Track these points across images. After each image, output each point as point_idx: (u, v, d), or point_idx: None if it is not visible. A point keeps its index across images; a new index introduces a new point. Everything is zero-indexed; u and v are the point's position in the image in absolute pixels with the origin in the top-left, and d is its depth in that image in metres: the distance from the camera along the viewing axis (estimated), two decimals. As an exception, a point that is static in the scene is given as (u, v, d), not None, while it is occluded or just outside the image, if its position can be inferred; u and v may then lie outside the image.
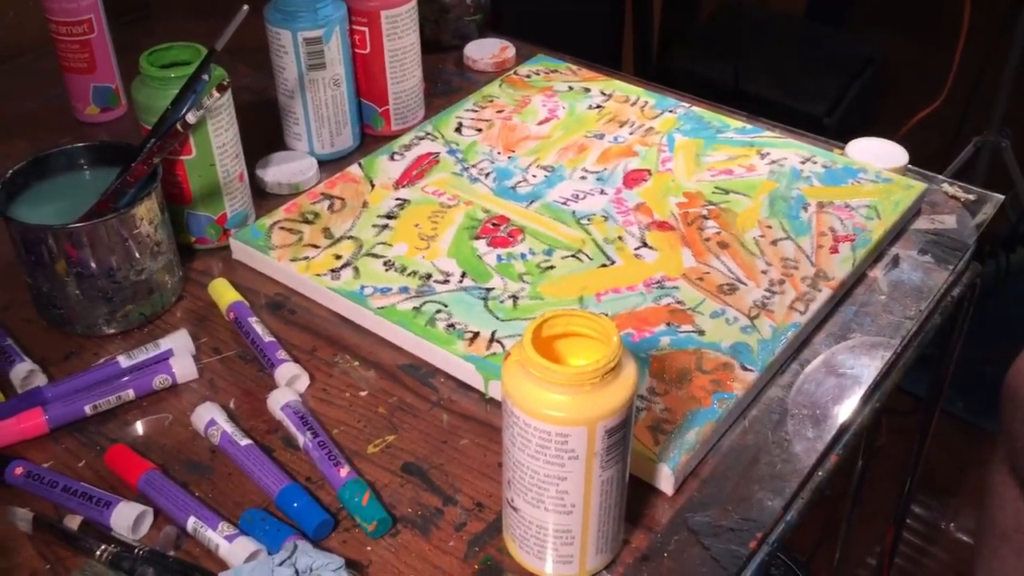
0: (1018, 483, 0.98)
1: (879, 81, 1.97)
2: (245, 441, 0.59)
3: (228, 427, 0.60)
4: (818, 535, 1.40)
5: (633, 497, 0.56)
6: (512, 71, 0.96)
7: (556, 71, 0.96)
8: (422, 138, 0.86)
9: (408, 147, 0.85)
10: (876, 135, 0.85)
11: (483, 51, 0.99)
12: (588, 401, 0.46)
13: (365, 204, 0.78)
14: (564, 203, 0.78)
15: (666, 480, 0.57)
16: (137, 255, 0.67)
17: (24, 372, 0.64)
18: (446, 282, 0.70)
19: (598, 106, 0.90)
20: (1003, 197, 0.81)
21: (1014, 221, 1.81)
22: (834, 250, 0.72)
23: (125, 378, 0.64)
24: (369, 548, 0.55)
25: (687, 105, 0.90)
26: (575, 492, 0.48)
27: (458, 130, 0.87)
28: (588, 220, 0.76)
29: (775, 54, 1.90)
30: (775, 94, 1.83)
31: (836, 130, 1.75)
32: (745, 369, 0.63)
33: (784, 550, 1.32)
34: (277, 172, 0.83)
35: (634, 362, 0.48)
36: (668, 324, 0.66)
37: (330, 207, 0.78)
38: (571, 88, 0.93)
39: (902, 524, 1.15)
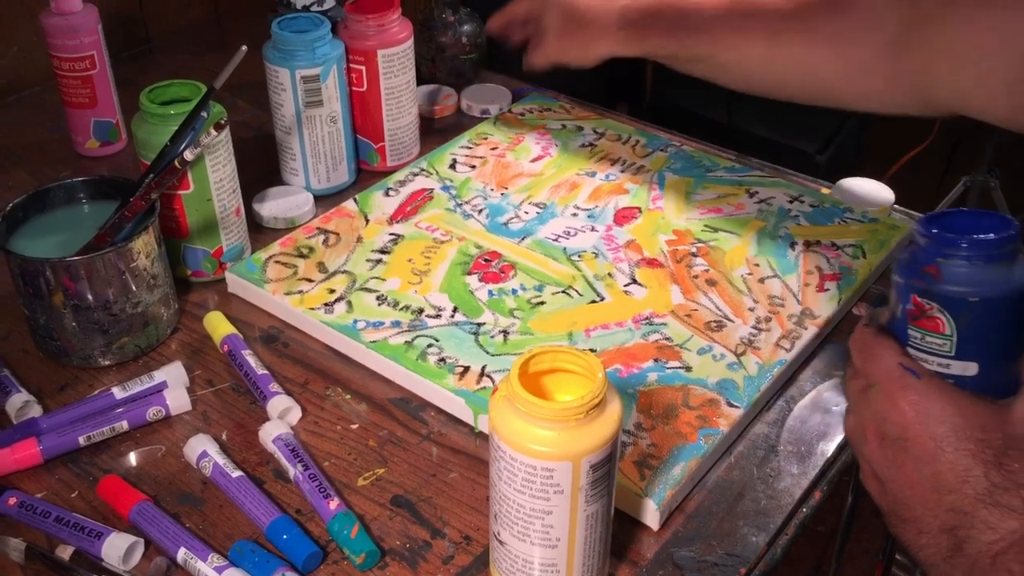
0: None
1: (871, 119, 1.99)
2: (236, 473, 0.60)
3: (220, 459, 0.61)
4: (809, 572, 1.40)
5: (619, 531, 0.57)
6: (506, 108, 0.98)
7: (550, 109, 0.97)
8: (417, 174, 0.87)
9: (403, 183, 0.86)
10: (867, 173, 0.86)
11: (481, 99, 0.99)
12: (573, 436, 0.47)
13: (359, 239, 0.79)
14: (555, 240, 0.79)
15: (652, 515, 0.58)
16: (134, 288, 0.68)
17: (20, 403, 0.65)
18: (438, 317, 0.71)
19: (590, 144, 0.91)
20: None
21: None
22: (820, 288, 0.73)
23: (119, 409, 0.64)
24: (357, 580, 0.55)
25: (678, 144, 0.91)
26: (560, 526, 0.49)
27: (452, 167, 0.88)
28: (579, 257, 0.77)
29: (768, 92, 1.92)
30: (767, 131, 1.84)
31: (828, 168, 1.77)
32: (731, 405, 0.64)
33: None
34: (273, 206, 0.84)
35: (619, 398, 0.49)
36: (656, 360, 0.67)
37: (325, 241, 0.79)
38: (564, 126, 0.94)
39: (891, 560, 1.15)
